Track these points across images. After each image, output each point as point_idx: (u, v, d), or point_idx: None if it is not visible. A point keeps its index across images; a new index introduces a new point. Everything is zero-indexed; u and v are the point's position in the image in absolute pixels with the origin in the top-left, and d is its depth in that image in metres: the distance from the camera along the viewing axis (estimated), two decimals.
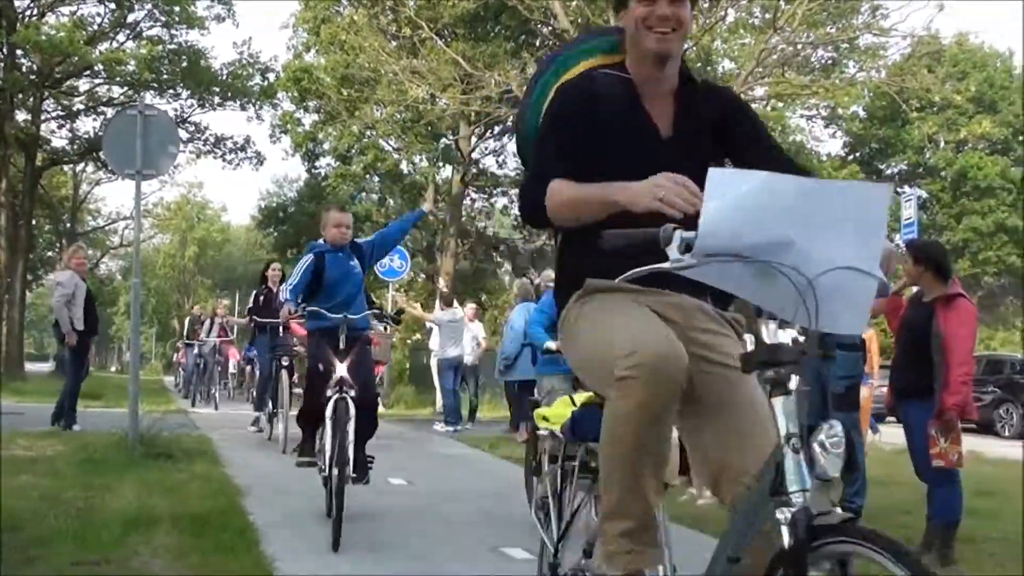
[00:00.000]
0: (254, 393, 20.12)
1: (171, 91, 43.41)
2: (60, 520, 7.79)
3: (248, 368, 33.15)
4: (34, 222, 49.41)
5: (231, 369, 31.78)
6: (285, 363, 15.51)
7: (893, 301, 8.70)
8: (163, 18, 42.24)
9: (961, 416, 7.67)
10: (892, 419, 9.95)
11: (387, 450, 14.65)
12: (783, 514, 2.78)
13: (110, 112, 39.02)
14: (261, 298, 17.09)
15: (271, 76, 43.95)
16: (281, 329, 15.79)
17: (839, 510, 2.82)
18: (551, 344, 6.94)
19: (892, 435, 12.80)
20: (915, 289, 8.51)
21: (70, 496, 8.99)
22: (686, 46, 20.52)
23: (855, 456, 8.84)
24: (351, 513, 8.96)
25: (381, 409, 24.27)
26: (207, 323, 29.14)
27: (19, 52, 39.10)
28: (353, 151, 42.51)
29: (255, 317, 17.04)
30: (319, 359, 8.97)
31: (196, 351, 28.94)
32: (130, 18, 42.30)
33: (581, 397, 5.57)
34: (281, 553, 7.06)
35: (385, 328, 17.75)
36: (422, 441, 17.14)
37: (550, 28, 34.22)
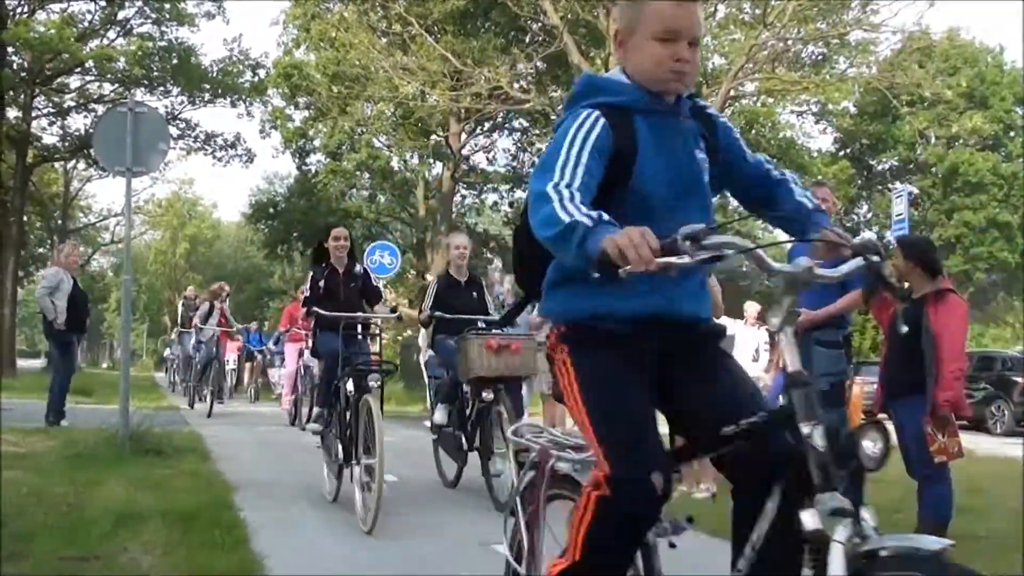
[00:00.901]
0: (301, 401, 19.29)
1: (161, 88, 43.35)
2: (48, 516, 7.78)
3: (250, 364, 30.84)
4: (25, 219, 49.31)
5: (230, 365, 28.93)
6: (375, 383, 9.27)
7: (880, 298, 8.68)
8: (153, 15, 42.22)
9: (954, 412, 7.66)
10: (883, 416, 9.91)
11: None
12: None
13: (101, 109, 39.12)
14: (321, 284, 11.00)
15: (261, 72, 43.93)
16: (360, 329, 10.86)
17: None
18: None
19: None
20: (904, 286, 8.49)
21: (58, 492, 8.98)
22: None
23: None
24: (340, 510, 8.97)
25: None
26: (205, 307, 24.42)
27: (10, 49, 39.02)
28: (344, 148, 42.48)
29: (317, 309, 10.58)
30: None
31: (193, 340, 25.06)
32: (120, 15, 42.26)
33: None
34: (270, 550, 7.05)
35: None
36: (412, 438, 17.09)
37: (540, 24, 34.21)
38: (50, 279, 16.01)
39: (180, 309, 26.62)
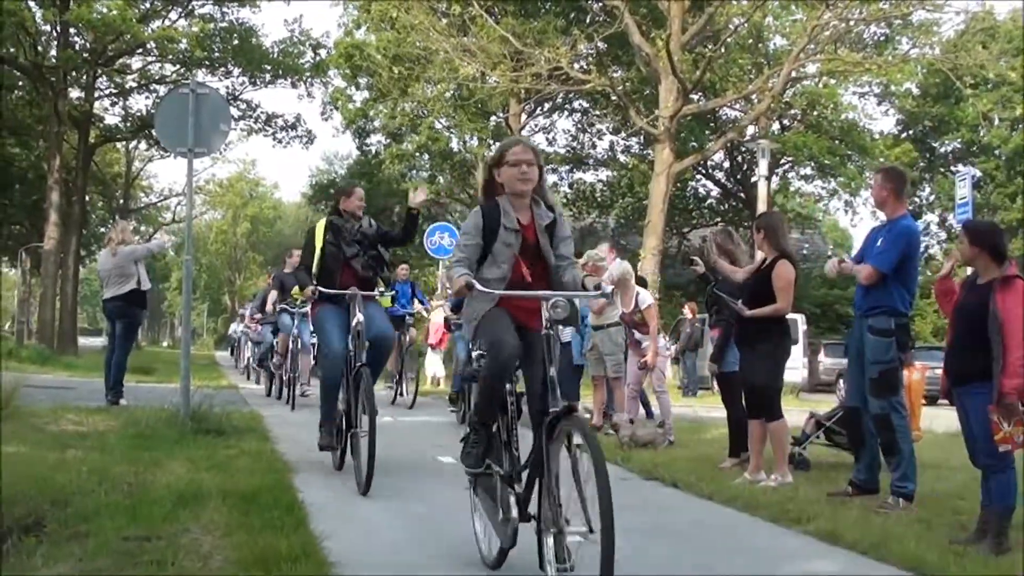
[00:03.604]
0: None
1: (223, 69, 43.64)
2: (109, 495, 7.81)
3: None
4: (87, 198, 49.82)
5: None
6: None
7: (944, 284, 8.58)
8: None
9: (1020, 400, 7.54)
10: (944, 402, 9.82)
11: (437, 429, 14.66)
12: None
13: (162, 90, 39.27)
14: None
15: (322, 53, 44.08)
16: None
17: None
18: None
19: (947, 419, 12.70)
20: (968, 271, 8.38)
21: (120, 471, 9.00)
22: (737, 22, 20.62)
23: (894, 440, 8.73)
24: (401, 492, 8.97)
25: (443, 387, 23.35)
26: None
27: (72, 30, 39.38)
28: (404, 129, 42.57)
29: None
30: None
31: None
32: None
33: None
34: (329, 531, 7.04)
35: None
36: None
37: (600, 4, 34.10)
38: (141, 252, 16.33)
39: (322, 240, 13.04)
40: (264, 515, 7.38)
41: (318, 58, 44.01)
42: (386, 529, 7.63)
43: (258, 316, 22.09)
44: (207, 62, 42.38)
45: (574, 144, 48.32)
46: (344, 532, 7.24)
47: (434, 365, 26.90)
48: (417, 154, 43.98)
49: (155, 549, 6.33)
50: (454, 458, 11.26)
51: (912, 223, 9.54)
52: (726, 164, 51.55)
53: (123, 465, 9.37)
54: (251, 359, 27.84)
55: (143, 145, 56.83)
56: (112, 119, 47.42)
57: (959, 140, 55.03)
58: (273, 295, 19.62)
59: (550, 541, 5.58)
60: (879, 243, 9.24)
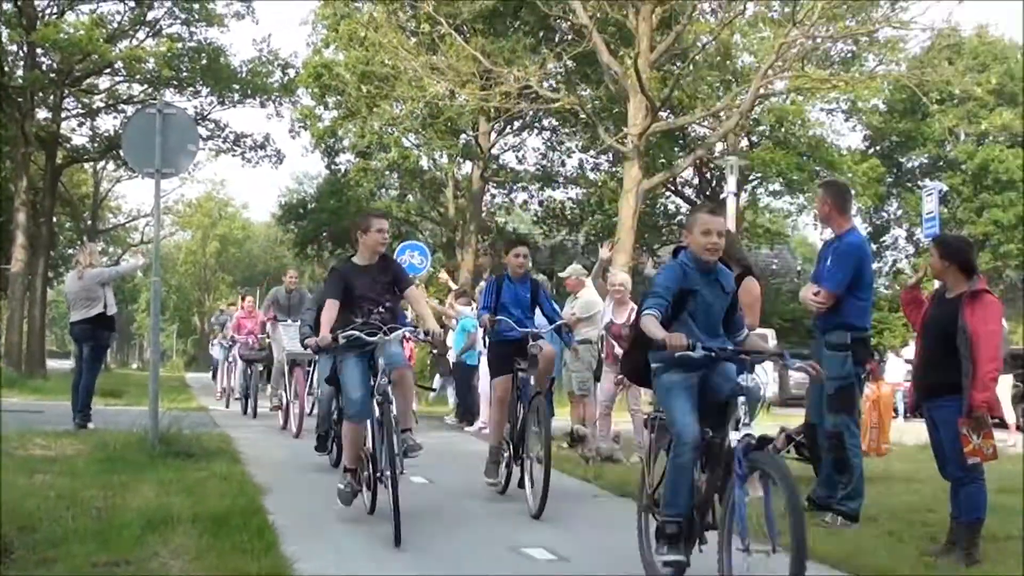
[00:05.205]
0: None
1: (191, 88, 43.43)
2: (78, 520, 7.78)
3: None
4: (55, 220, 49.52)
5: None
6: None
7: (911, 294, 8.66)
8: (182, 15, 42.34)
9: (988, 412, 7.61)
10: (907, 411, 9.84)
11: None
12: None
13: (130, 110, 39.16)
14: None
15: (291, 72, 43.98)
16: None
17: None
18: None
19: (916, 432, 12.73)
20: (936, 285, 8.45)
21: (88, 495, 8.96)
22: (705, 40, 20.63)
23: (846, 458, 8.74)
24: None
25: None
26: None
27: (39, 50, 39.17)
28: (373, 148, 42.53)
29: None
30: None
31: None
32: (149, 15, 42.32)
33: None
34: (300, 553, 7.04)
35: None
36: (443, 439, 16.98)
37: (569, 23, 34.14)
38: (108, 275, 16.29)
39: None
40: (234, 538, 7.37)
41: (287, 77, 43.91)
42: (356, 551, 7.62)
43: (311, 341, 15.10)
44: (175, 82, 42.20)
45: (544, 162, 48.28)
46: (314, 554, 7.24)
47: None
48: (387, 172, 43.99)
49: (124, 574, 6.30)
50: (425, 479, 11.26)
51: (858, 237, 9.56)
52: (695, 181, 51.61)
53: (92, 489, 9.33)
54: (241, 386, 22.69)
55: (111, 166, 56.58)
56: (79, 139, 47.17)
57: (926, 155, 55.31)
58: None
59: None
60: (828, 262, 9.26)
